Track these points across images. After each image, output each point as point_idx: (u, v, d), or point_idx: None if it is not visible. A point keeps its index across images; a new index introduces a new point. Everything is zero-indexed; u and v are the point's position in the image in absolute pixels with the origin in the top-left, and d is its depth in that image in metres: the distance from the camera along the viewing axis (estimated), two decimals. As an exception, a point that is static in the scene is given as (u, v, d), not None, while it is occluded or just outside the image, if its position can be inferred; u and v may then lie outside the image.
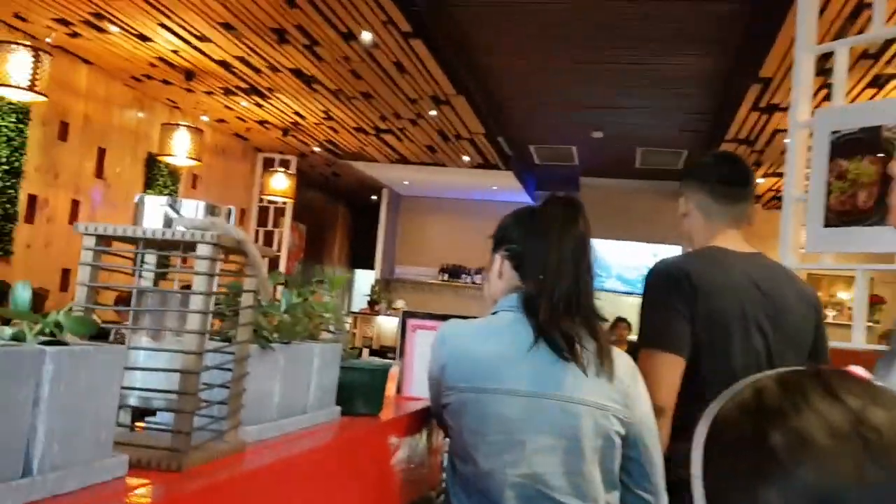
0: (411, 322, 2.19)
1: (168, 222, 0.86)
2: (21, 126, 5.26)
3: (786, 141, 6.48)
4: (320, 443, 1.12)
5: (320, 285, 1.35)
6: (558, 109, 6.90)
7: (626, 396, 1.41)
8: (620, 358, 1.44)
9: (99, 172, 6.30)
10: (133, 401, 0.89)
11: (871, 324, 9.62)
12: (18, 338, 0.67)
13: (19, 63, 4.46)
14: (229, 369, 0.96)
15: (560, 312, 1.37)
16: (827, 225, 3.02)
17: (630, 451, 1.42)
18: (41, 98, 4.68)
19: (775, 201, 9.54)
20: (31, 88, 4.51)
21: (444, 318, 2.25)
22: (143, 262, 0.89)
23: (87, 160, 6.17)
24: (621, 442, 1.40)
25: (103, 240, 0.84)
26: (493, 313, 1.49)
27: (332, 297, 1.37)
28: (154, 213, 0.86)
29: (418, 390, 2.11)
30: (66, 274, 5.94)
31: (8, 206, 5.25)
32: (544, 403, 1.35)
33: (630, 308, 6.97)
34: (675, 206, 1.96)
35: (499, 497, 1.35)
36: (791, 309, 1.77)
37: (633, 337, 6.50)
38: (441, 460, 1.80)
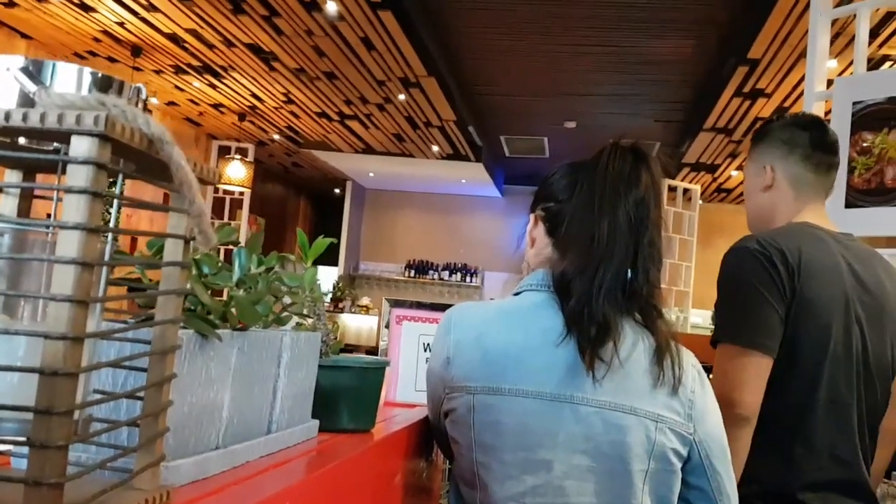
0: (397, 312, 1.81)
1: (27, 100, 0.47)
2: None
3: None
4: (293, 480, 0.74)
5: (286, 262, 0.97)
6: (531, 96, 6.56)
7: (690, 406, 1.05)
8: (686, 357, 1.09)
9: (36, 157, 5.77)
10: (-37, 425, 0.50)
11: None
12: None
13: (-63, 26, 3.95)
14: (143, 369, 0.57)
15: (602, 298, 1.01)
16: (848, 206, 2.72)
17: (693, 478, 1.07)
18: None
19: (747, 196, 9.40)
20: (-48, 56, 4.01)
21: (436, 307, 1.88)
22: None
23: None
24: (681, 465, 1.05)
25: None
26: (516, 293, 1.13)
27: (311, 269, 0.99)
28: (4, 87, 0.47)
29: (407, 395, 1.73)
30: None
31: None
32: (580, 411, 1.00)
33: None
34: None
35: None
36: (889, 302, 1.46)
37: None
38: (440, 485, 1.43)
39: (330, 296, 9.23)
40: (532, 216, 1.17)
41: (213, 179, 0.58)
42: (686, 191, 8.53)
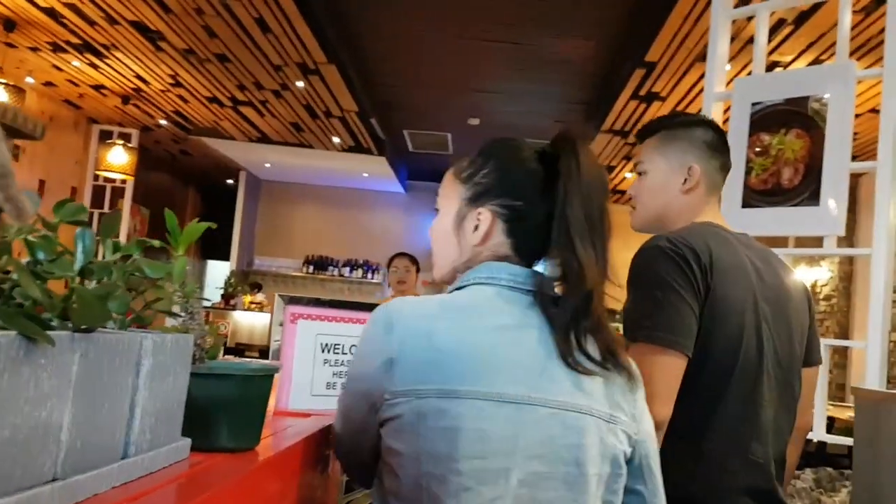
0: (291, 310, 1.65)
1: None
2: None
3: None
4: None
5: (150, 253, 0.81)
6: (435, 91, 6.47)
7: (633, 406, 1.02)
8: (627, 356, 1.05)
9: None
10: None
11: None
12: None
13: None
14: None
15: (593, 306, 0.97)
16: (745, 205, 2.77)
17: (634, 482, 1.02)
18: None
19: (640, 196, 9.67)
20: None
21: (337, 304, 1.74)
22: None
23: None
24: (626, 468, 1.01)
25: None
26: (459, 287, 1.04)
27: (182, 259, 0.83)
28: None
29: (301, 402, 1.58)
30: None
31: None
32: (539, 413, 0.93)
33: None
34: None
35: None
36: (790, 298, 1.47)
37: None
38: (337, 499, 1.29)
39: (221, 292, 8.83)
40: (486, 213, 1.07)
41: (33, 131, 0.43)
42: (583, 190, 8.71)
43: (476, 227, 1.07)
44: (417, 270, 4.71)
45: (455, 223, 1.09)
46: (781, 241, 2.91)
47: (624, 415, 1.00)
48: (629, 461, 1.01)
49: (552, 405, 0.94)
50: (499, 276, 1.01)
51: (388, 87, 6.40)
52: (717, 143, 1.55)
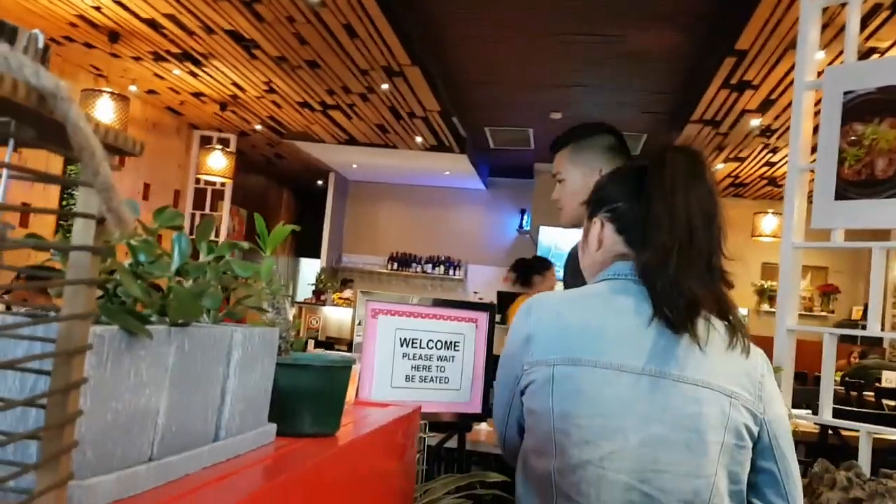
0: (372, 305, 1.72)
1: None
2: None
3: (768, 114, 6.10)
4: (240, 496, 0.66)
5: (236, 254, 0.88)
6: (516, 87, 6.47)
7: (760, 388, 1.14)
8: (754, 347, 1.18)
9: (9, 145, 5.61)
10: None
11: (824, 313, 9.56)
12: None
13: None
14: (46, 372, 0.48)
15: (688, 277, 1.10)
16: (838, 197, 2.66)
17: (761, 460, 1.13)
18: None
19: (732, 188, 9.35)
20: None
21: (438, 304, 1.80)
22: None
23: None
24: (752, 444, 1.12)
25: None
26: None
27: (268, 259, 0.90)
28: None
29: (382, 393, 1.65)
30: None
31: None
32: (658, 384, 1.08)
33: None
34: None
35: (594, 496, 1.05)
36: None
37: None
38: (414, 487, 1.35)
39: (313, 288, 9.13)
40: (597, 221, 1.26)
41: (132, 149, 0.49)
42: (672, 184, 8.49)
43: (593, 236, 1.25)
44: None
45: (583, 237, 1.31)
46: (883, 234, 2.79)
47: (747, 393, 1.12)
48: (758, 440, 1.12)
49: (671, 377, 1.07)
50: (620, 272, 1.18)
51: (470, 85, 6.45)
52: (617, 145, 1.85)
